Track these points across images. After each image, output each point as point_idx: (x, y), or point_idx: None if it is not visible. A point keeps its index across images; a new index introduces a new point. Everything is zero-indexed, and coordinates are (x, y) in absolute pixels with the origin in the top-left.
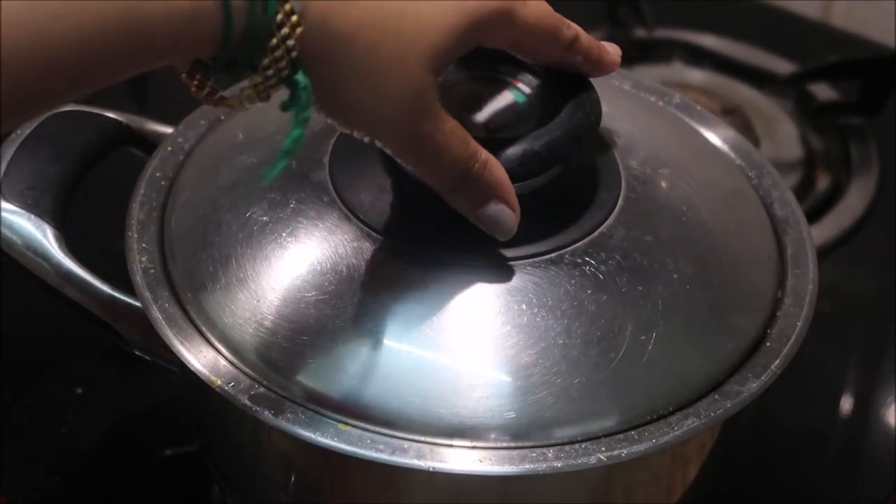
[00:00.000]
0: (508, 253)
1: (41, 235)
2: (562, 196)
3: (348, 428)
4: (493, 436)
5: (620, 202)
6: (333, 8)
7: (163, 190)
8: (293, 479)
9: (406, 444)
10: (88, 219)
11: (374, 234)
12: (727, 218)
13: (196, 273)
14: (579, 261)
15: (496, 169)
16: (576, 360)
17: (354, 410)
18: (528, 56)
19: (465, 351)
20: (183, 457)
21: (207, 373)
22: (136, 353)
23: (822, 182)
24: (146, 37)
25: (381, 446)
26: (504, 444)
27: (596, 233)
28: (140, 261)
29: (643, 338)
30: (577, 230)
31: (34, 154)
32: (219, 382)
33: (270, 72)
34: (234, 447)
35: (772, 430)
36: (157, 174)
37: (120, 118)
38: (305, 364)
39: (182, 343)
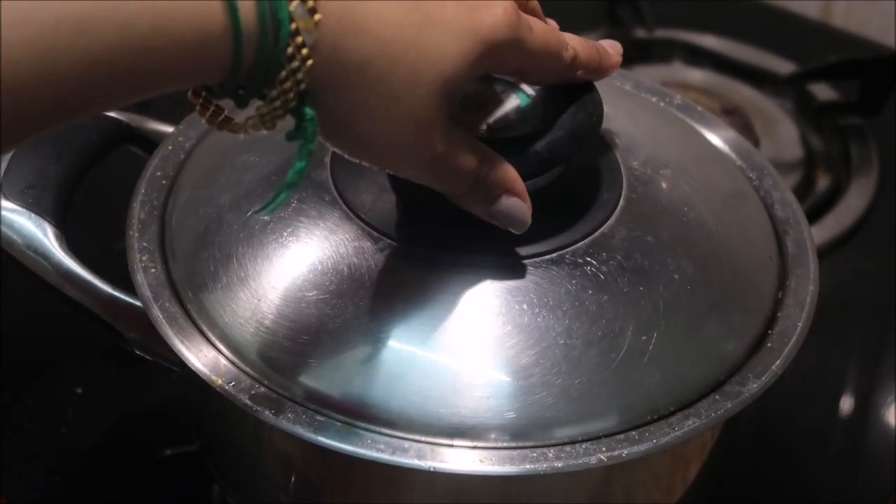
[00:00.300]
0: (509, 253)
1: (42, 234)
2: (563, 196)
3: (349, 428)
4: (493, 436)
5: (622, 202)
6: (345, 39)
7: (164, 189)
8: (293, 479)
9: (407, 444)
10: (89, 218)
11: (375, 234)
12: (728, 218)
13: (197, 272)
14: (580, 261)
15: (502, 165)
16: (576, 361)
17: (355, 410)
18: (529, 80)
19: (466, 351)
20: (183, 457)
21: (208, 372)
22: (137, 352)
23: (822, 182)
24: (153, 66)
25: (382, 446)
26: (504, 444)
27: (597, 233)
28: (141, 260)
29: (644, 338)
30: (578, 230)
31: (35, 153)
32: (219, 382)
33: (278, 103)
34: (235, 447)
35: (772, 430)
36: (158, 173)
37: (121, 117)
38: (306, 364)
39: (183, 342)
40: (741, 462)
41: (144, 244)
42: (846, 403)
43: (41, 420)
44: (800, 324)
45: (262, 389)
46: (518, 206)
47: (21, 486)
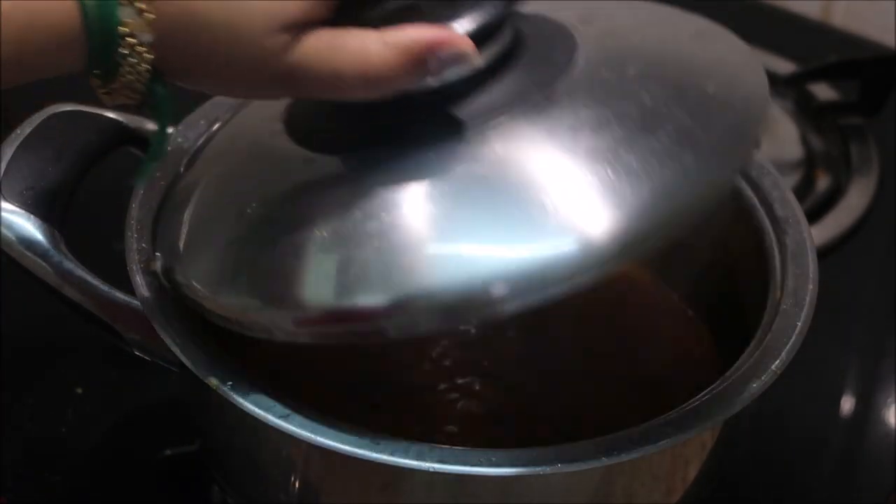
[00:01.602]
0: (470, 124)
1: (41, 235)
2: (517, 62)
3: (349, 428)
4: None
5: (580, 51)
6: (176, 23)
7: (162, 190)
8: (293, 479)
9: (406, 444)
10: (88, 219)
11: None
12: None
13: (196, 273)
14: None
15: (397, 34)
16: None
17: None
18: None
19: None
20: (183, 457)
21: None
22: (136, 353)
23: (822, 182)
24: (30, 55)
25: (382, 446)
26: (503, 445)
27: (560, 78)
28: (140, 261)
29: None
30: (534, 81)
31: (34, 154)
32: (217, 382)
33: (126, 91)
34: (235, 447)
35: (772, 430)
36: (157, 174)
37: (120, 118)
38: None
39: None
40: (741, 462)
41: (143, 245)
42: (846, 403)
43: (41, 420)
44: (799, 324)
45: (261, 390)
46: (448, 51)
47: (21, 486)
